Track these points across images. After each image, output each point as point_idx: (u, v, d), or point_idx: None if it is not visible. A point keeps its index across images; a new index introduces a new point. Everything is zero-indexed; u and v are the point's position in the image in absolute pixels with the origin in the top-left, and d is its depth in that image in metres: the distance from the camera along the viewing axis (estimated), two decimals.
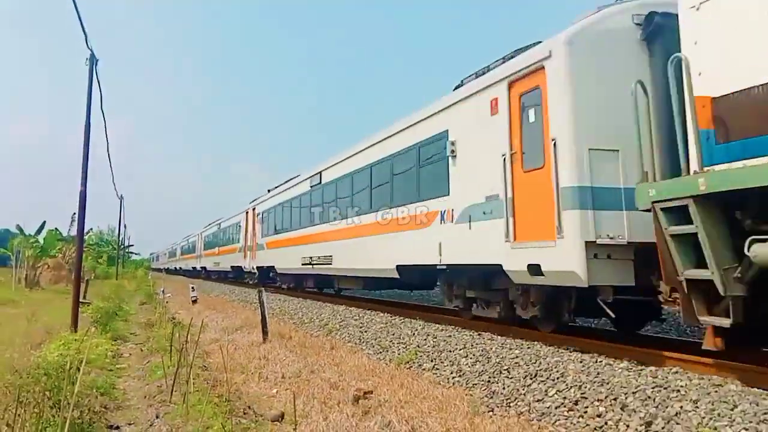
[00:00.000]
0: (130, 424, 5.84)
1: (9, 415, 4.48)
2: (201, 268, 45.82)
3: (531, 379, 6.49)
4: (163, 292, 23.28)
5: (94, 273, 39.50)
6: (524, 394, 6.18)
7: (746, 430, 4.30)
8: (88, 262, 39.65)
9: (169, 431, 5.46)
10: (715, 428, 4.44)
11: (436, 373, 7.66)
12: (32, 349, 8.04)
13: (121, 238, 53.59)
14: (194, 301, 19.68)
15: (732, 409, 4.64)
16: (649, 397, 5.23)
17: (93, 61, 11.61)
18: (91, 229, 54.68)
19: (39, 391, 5.14)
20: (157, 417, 5.96)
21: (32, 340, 9.19)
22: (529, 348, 7.74)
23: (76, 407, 5.05)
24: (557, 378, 6.29)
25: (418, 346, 8.92)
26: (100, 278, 39.50)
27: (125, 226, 52.77)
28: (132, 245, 79.77)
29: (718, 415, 4.62)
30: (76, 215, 11.65)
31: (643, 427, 4.84)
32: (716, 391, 5.09)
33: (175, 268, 66.01)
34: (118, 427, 5.56)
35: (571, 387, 5.96)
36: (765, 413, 4.46)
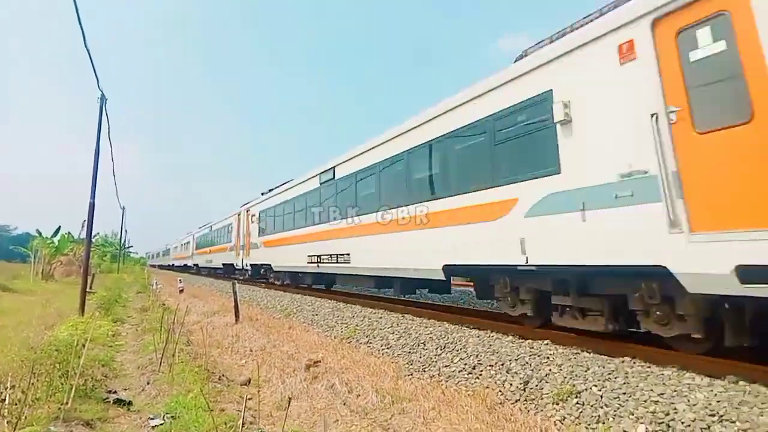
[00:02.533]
0: (125, 389, 5.57)
1: (24, 383, 4.22)
2: (193, 264, 40.92)
3: (441, 350, 6.54)
4: (156, 283, 22.37)
5: (99, 268, 37.64)
6: (436, 362, 6.22)
7: (595, 386, 4.47)
8: (94, 259, 37.89)
9: (157, 394, 5.24)
10: (573, 385, 4.59)
11: (369, 346, 7.62)
12: (46, 330, 7.59)
13: (122, 241, 51.22)
14: (181, 291, 19.00)
15: (586, 371, 4.81)
16: (527, 363, 5.35)
17: (103, 100, 11.12)
18: (98, 233, 52.38)
19: (50, 363, 4.90)
20: (148, 383, 5.70)
21: (46, 322, 8.65)
22: (440, 326, 7.80)
23: (81, 376, 4.85)
24: (460, 349, 6.35)
25: (357, 326, 8.86)
26: (104, 272, 37.64)
27: (126, 231, 50.38)
28: (131, 246, 76.24)
29: (576, 375, 4.77)
30: (86, 222, 11.09)
31: (523, 384, 4.95)
32: (575, 358, 5.26)
33: (170, 264, 59.26)
34: (115, 392, 5.28)
35: (470, 356, 6.04)
36: (609, 373, 4.65)
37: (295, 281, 16.84)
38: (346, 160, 11.79)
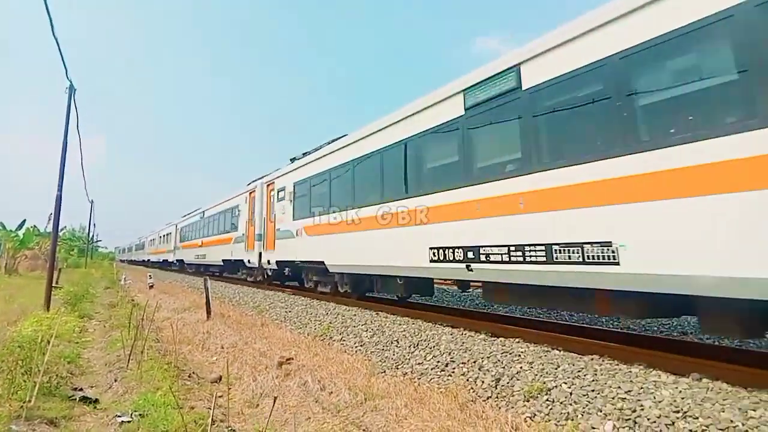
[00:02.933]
0: (92, 387, 5.40)
1: None
2: (176, 261, 33.99)
3: (414, 347, 6.55)
4: (124, 279, 21.88)
5: (66, 263, 36.58)
6: (409, 359, 6.23)
7: (565, 383, 4.53)
8: (61, 253, 36.82)
9: (125, 392, 5.10)
10: (544, 382, 4.65)
11: (343, 344, 7.59)
12: (8, 326, 7.33)
13: (90, 236, 49.93)
14: (151, 287, 18.63)
15: (556, 368, 4.87)
16: (499, 360, 5.39)
17: (72, 90, 10.78)
18: (65, 227, 50.97)
19: (12, 360, 4.71)
20: (115, 380, 5.55)
21: (9, 318, 8.37)
22: (413, 324, 7.81)
23: (46, 373, 4.67)
24: (433, 346, 6.37)
25: (330, 323, 8.81)
26: (72, 267, 36.61)
27: (94, 225, 49.06)
28: (100, 240, 74.50)
29: (546, 372, 4.83)
30: (53, 215, 10.76)
31: (494, 382, 4.99)
32: (546, 355, 5.32)
33: (145, 260, 52.88)
34: (81, 389, 5.12)
35: (443, 353, 6.06)
36: (579, 371, 4.72)
37: (362, 289, 11.09)
38: (580, 35, 5.33)
